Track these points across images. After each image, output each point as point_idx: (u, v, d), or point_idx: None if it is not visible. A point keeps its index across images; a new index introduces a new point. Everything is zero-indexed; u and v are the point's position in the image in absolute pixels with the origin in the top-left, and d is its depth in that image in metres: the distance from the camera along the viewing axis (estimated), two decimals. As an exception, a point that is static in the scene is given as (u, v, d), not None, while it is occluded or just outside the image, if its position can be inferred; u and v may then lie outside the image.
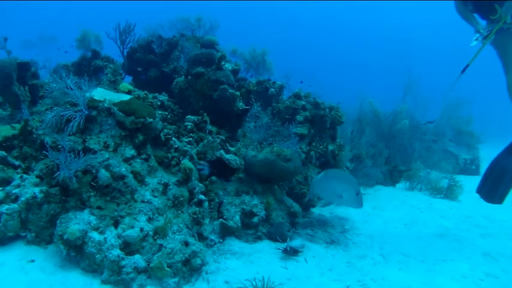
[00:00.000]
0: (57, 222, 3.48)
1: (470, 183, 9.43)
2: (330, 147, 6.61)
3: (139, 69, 7.52)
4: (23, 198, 3.58)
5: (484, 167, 12.23)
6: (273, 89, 7.05)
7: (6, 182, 3.76)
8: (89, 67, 7.31)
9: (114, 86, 6.44)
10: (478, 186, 4.80)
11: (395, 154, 9.85)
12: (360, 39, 59.72)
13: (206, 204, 4.17)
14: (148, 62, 7.63)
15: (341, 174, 5.00)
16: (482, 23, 4.99)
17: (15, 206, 3.56)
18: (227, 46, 8.33)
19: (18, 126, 4.26)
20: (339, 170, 5.65)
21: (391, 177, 8.90)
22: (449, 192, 8.15)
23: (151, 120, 4.12)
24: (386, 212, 6.61)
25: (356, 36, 60.36)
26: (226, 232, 4.44)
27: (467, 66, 4.62)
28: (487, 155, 13.26)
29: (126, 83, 5.50)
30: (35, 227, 3.59)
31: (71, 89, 4.00)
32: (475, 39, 4.80)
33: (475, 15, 5.01)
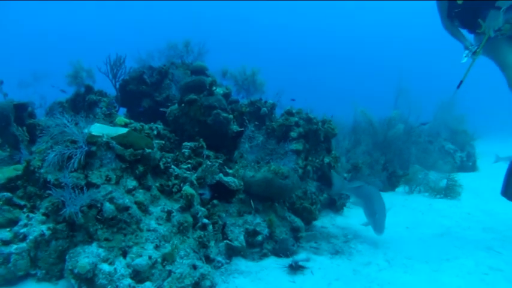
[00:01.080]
0: (67, 257, 3.54)
1: (469, 180, 9.59)
2: (326, 160, 6.72)
3: (145, 105, 7.67)
4: (31, 237, 3.66)
5: (480, 162, 12.44)
6: (265, 108, 7.19)
7: (14, 222, 3.83)
8: (84, 102, 7.45)
9: (109, 119, 6.55)
10: (502, 189, 4.93)
11: (393, 159, 9.96)
12: (348, 47, 60.22)
13: (210, 227, 4.26)
14: (141, 93, 7.78)
15: (369, 191, 5.17)
16: (470, 37, 5.20)
17: (23, 245, 3.63)
18: (217, 66, 8.50)
19: (20, 167, 4.35)
20: (372, 187, 5.71)
21: (390, 183, 9.00)
22: (449, 192, 8.27)
23: (149, 150, 4.23)
24: (387, 217, 6.69)
25: (344, 45, 60.84)
26: (232, 252, 4.52)
27: (461, 82, 4.89)
28: (484, 150, 13.46)
29: (122, 117, 5.63)
30: (45, 264, 3.66)
31: (69, 127, 4.11)
32: (465, 56, 4.97)
33: (463, 30, 5.21)
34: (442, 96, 13.80)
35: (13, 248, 3.59)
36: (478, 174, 11.66)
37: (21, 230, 3.73)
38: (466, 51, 5.00)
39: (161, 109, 7.28)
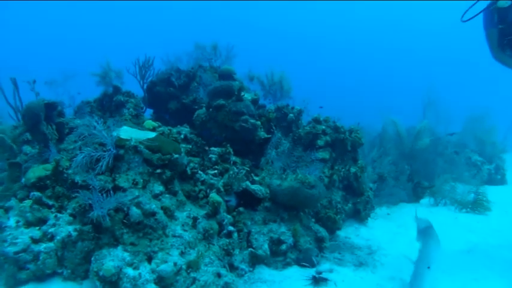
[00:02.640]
0: (92, 259, 3.59)
1: (497, 194, 9.29)
2: (352, 170, 6.65)
3: (172, 108, 7.75)
4: (58, 237, 3.73)
5: (510, 176, 12.06)
6: (292, 114, 7.14)
7: (42, 221, 3.91)
8: (111, 102, 7.52)
9: (136, 120, 6.62)
10: None
11: (419, 170, 9.77)
12: (375, 53, 59.60)
13: (235, 235, 4.26)
14: (168, 95, 7.82)
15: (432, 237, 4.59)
16: None
17: (51, 244, 3.71)
18: (244, 68, 8.44)
19: (49, 166, 4.42)
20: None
21: (415, 194, 8.84)
22: (476, 206, 8.01)
23: (177, 156, 4.25)
24: (411, 230, 6.53)
25: (372, 51, 60.22)
26: (255, 261, 4.50)
27: None
28: (512, 164, 13.08)
29: (151, 120, 5.67)
30: (71, 263, 3.72)
31: (98, 129, 4.16)
32: None
33: None
34: (472, 107, 13.50)
35: (42, 246, 3.68)
36: (507, 188, 11.32)
37: (50, 230, 3.80)
38: None
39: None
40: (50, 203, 4.10)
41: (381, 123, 10.79)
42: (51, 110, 6.32)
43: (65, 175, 4.22)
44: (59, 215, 3.96)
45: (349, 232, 6.20)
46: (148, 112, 8.41)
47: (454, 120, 12.68)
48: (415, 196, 8.86)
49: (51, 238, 3.76)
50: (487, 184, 10.91)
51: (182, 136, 5.65)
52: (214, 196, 4.22)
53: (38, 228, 3.83)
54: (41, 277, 3.65)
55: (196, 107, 7.11)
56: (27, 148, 5.61)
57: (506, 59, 5.02)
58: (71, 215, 3.95)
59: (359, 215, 6.69)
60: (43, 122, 5.97)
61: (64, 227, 3.82)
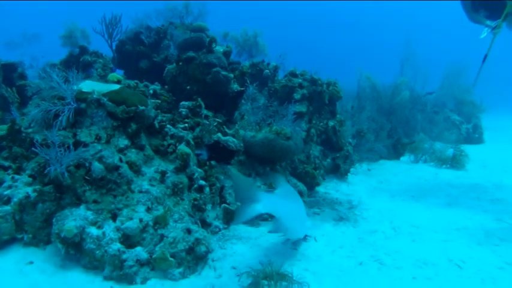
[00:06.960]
0: (53, 220, 3.32)
1: (475, 151, 9.39)
2: (331, 124, 6.47)
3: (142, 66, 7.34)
4: (15, 199, 3.41)
5: (486, 135, 12.18)
6: (267, 71, 6.86)
7: (-3, 184, 3.59)
8: (78, 63, 7.14)
9: (104, 80, 6.28)
10: None
11: (398, 127, 9.69)
12: (355, 12, 59.19)
13: (207, 189, 4.01)
14: (138, 54, 7.46)
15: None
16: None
17: (7, 207, 3.38)
18: (218, 30, 8.13)
19: (5, 126, 4.08)
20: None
21: (395, 151, 8.76)
22: (455, 162, 8.06)
23: (143, 108, 3.93)
24: (392, 185, 6.49)
25: (351, 9, 59.66)
26: (230, 217, 4.25)
27: (486, 56, 5.20)
28: (489, 124, 13.19)
29: (115, 73, 5.32)
30: (31, 227, 3.43)
31: (57, 81, 3.82)
32: (484, 32, 5.28)
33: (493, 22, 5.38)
34: (449, 65, 13.46)
35: (-4, 211, 3.36)
36: (485, 146, 11.43)
37: (5, 192, 3.47)
38: (485, 29, 5.27)
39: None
40: (6, 164, 3.77)
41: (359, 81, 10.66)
42: (10, 71, 5.98)
43: (24, 135, 3.89)
44: (16, 176, 3.63)
45: (329, 188, 6.06)
46: (119, 73, 8.05)
47: (432, 77, 12.67)
48: (395, 153, 8.77)
49: (7, 201, 3.43)
50: (465, 143, 10.99)
51: (151, 91, 5.32)
52: (182, 148, 3.94)
53: (-9, 192, 3.51)
54: (-3, 244, 3.35)
55: (168, 65, 6.79)
56: (-14, 114, 5.25)
57: (479, 19, 5.45)
58: (30, 175, 3.62)
59: (338, 170, 6.53)
60: (2, 84, 5.63)
61: (22, 189, 3.49)
